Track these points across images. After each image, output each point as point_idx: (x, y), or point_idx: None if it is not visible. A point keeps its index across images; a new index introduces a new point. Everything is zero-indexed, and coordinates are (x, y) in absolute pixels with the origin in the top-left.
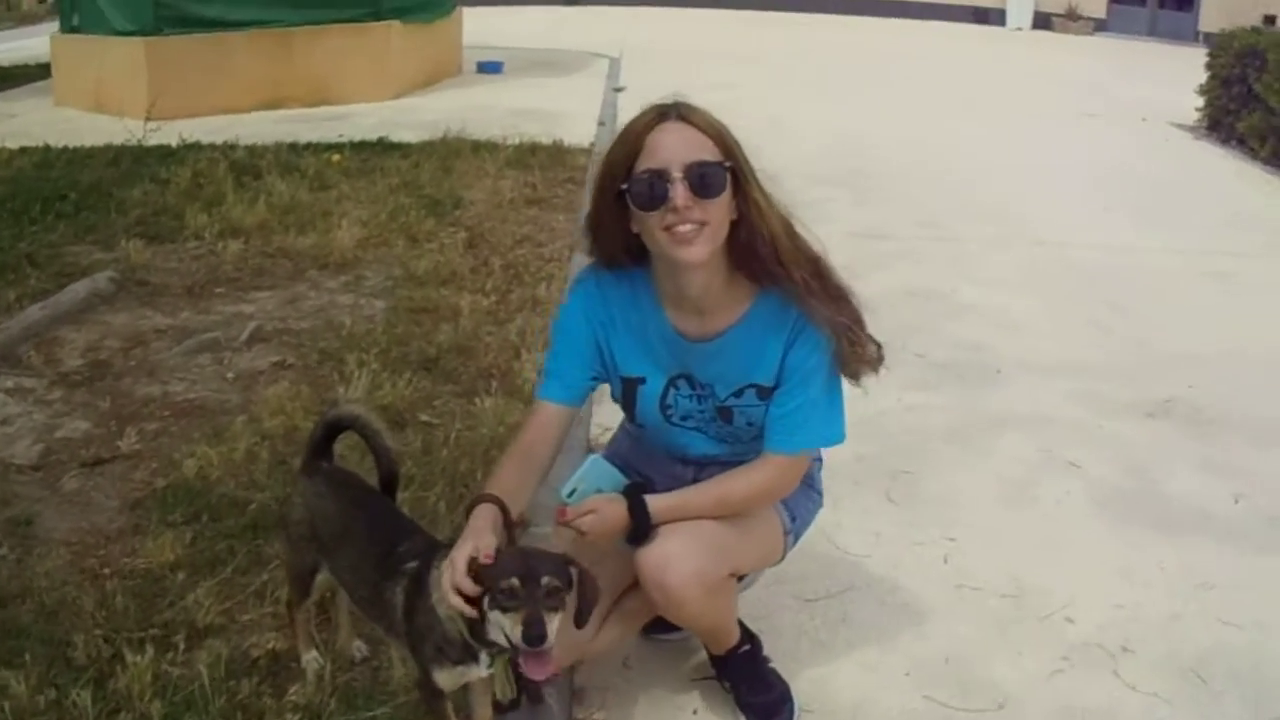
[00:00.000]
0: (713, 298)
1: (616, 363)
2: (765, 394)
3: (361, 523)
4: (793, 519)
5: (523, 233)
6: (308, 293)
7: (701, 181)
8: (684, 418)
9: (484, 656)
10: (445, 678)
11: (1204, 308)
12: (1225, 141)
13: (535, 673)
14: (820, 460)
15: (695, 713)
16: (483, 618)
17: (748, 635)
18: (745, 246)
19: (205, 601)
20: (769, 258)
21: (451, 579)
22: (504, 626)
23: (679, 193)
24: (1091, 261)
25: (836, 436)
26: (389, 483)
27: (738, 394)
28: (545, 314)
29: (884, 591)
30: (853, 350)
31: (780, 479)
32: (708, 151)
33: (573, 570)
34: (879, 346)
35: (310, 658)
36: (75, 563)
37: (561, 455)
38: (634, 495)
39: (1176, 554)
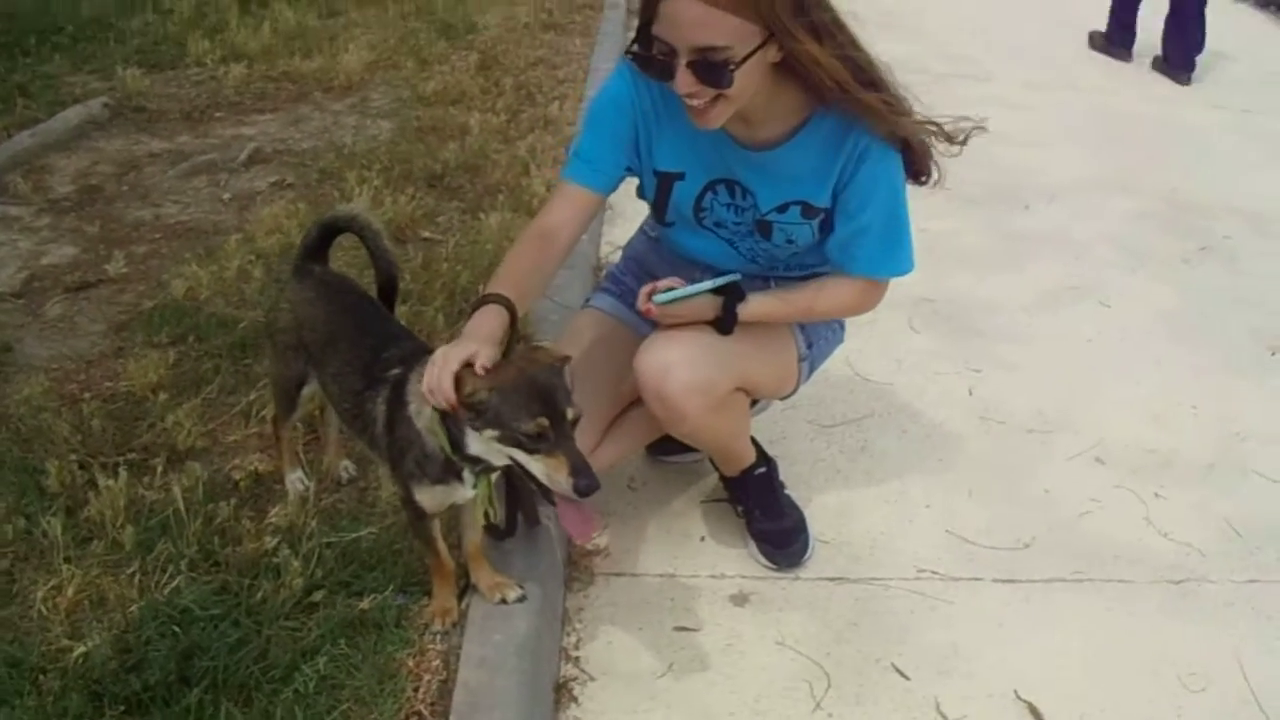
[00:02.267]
0: (758, 111)
1: (654, 155)
2: (812, 213)
3: (349, 328)
4: (809, 345)
5: (537, 55)
6: (311, 114)
7: (707, 71)
8: (717, 224)
9: (468, 475)
10: (427, 497)
11: (1242, 163)
12: (1264, 6)
13: (580, 531)
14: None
15: (703, 539)
16: (461, 431)
17: (764, 458)
18: (797, 76)
19: (186, 423)
20: (829, 96)
21: (437, 378)
22: (537, 470)
23: (682, 80)
24: (1125, 109)
25: (905, 267)
26: (388, 288)
27: (781, 209)
28: (557, 132)
29: (905, 420)
30: (916, 148)
31: (863, 299)
32: (725, 32)
33: (568, 373)
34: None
35: (295, 478)
36: (54, 389)
37: (564, 272)
38: (730, 295)
39: (1211, 402)
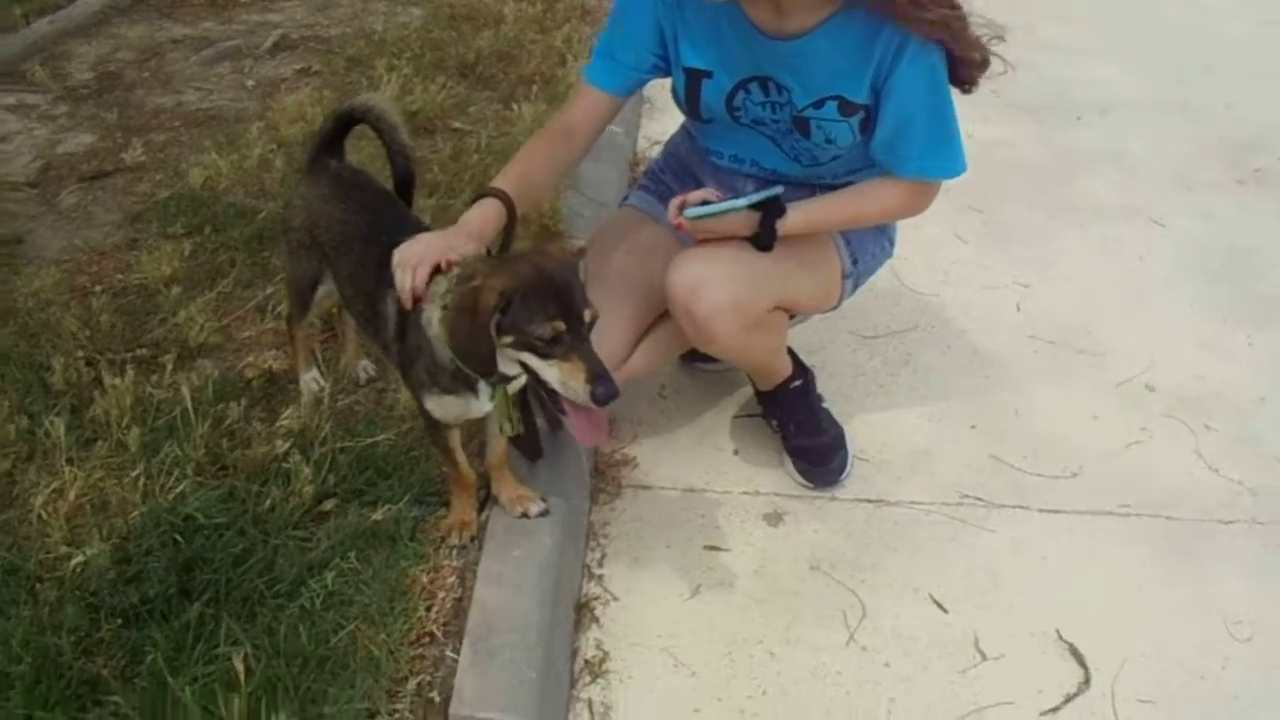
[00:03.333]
0: None
1: (680, 51)
2: (850, 109)
3: (364, 226)
4: (854, 261)
5: None
6: (340, 0)
7: None
8: (755, 122)
9: (483, 388)
10: (438, 406)
11: None
12: None
13: (590, 435)
14: None
15: (736, 453)
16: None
17: (800, 369)
18: None
19: (199, 318)
20: None
21: (403, 263)
22: (551, 377)
23: None
24: (1179, 21)
25: (957, 167)
26: (405, 185)
27: (818, 104)
28: (594, 23)
29: (950, 335)
30: (962, 51)
31: (912, 202)
32: None
33: (583, 268)
34: (983, 49)
35: (309, 378)
36: (65, 281)
37: (599, 166)
38: (769, 210)
39: (1264, 332)
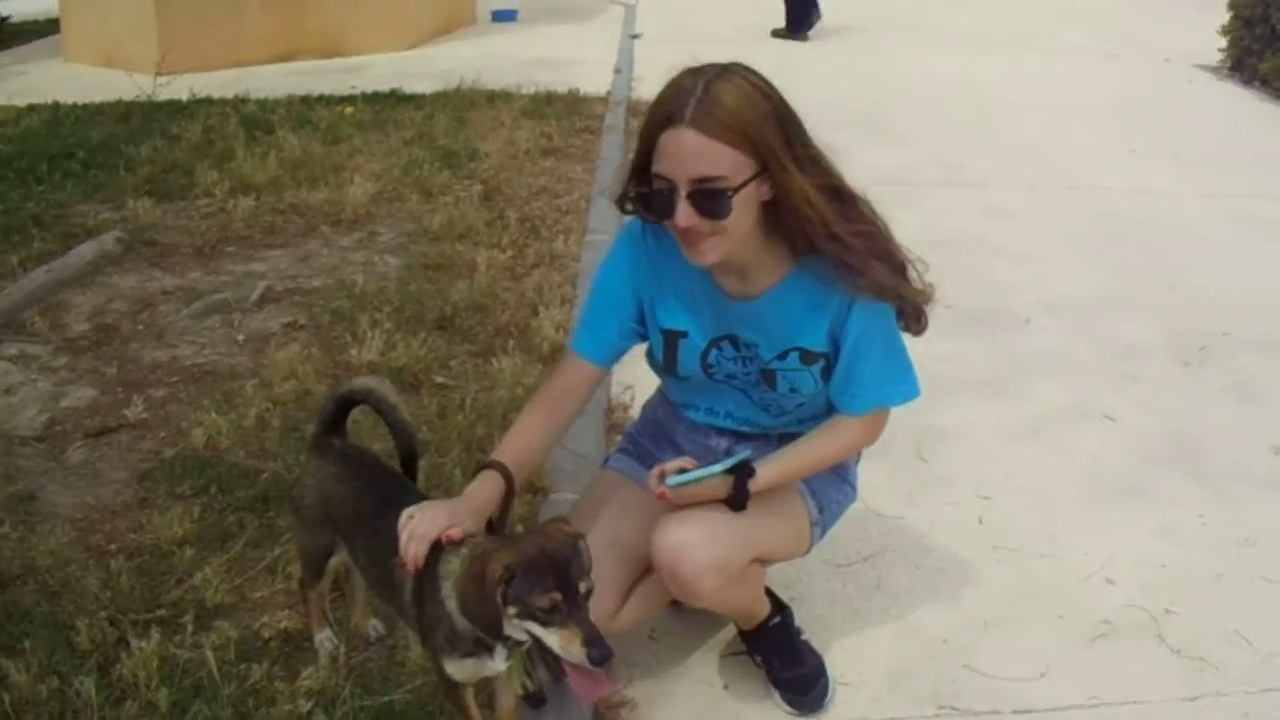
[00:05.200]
0: (749, 262)
1: (658, 315)
2: (810, 358)
3: (376, 505)
4: (820, 510)
5: (539, 184)
6: (320, 250)
7: (707, 202)
8: (728, 376)
9: (499, 649)
10: (457, 670)
11: (1238, 253)
12: (1248, 83)
13: (589, 692)
14: (859, 453)
15: (726, 688)
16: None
17: (778, 606)
18: (784, 222)
19: (214, 579)
20: (815, 236)
21: (412, 534)
22: (552, 642)
23: (683, 213)
24: (1121, 206)
25: (912, 391)
26: (409, 460)
27: (781, 356)
28: (563, 269)
29: (918, 554)
30: (908, 308)
31: (868, 433)
32: (722, 163)
33: (583, 545)
34: (924, 312)
35: (324, 637)
36: (80, 539)
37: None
38: (741, 473)
39: (1217, 509)
